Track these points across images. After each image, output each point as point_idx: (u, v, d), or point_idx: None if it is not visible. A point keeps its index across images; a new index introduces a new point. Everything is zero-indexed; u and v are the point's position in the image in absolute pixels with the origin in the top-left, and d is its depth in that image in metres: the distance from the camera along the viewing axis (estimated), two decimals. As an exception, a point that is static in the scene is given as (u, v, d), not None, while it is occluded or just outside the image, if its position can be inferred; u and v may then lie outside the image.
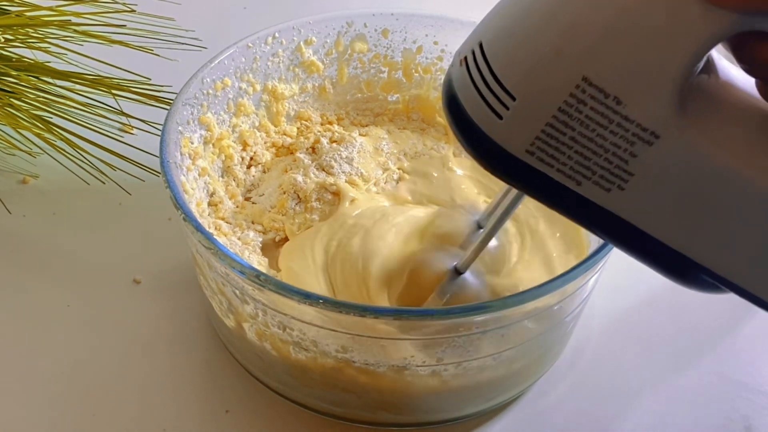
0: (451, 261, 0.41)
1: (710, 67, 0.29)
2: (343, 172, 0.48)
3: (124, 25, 0.52)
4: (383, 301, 0.41)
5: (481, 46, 0.29)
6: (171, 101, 0.45)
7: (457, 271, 0.40)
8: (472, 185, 0.49)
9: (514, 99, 0.28)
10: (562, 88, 0.28)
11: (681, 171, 0.29)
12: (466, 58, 0.30)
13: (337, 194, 0.46)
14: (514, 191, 0.36)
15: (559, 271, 0.43)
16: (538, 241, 0.45)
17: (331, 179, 0.47)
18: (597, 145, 0.28)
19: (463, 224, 0.44)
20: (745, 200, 0.29)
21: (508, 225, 0.45)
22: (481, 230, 0.42)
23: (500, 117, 0.29)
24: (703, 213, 0.29)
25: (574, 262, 0.44)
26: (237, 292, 0.38)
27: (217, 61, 0.46)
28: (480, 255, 0.39)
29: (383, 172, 0.49)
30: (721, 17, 0.26)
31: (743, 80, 0.29)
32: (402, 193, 0.48)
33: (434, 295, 0.40)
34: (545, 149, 0.29)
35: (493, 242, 0.42)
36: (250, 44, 0.48)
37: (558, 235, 0.46)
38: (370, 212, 0.46)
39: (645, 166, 0.29)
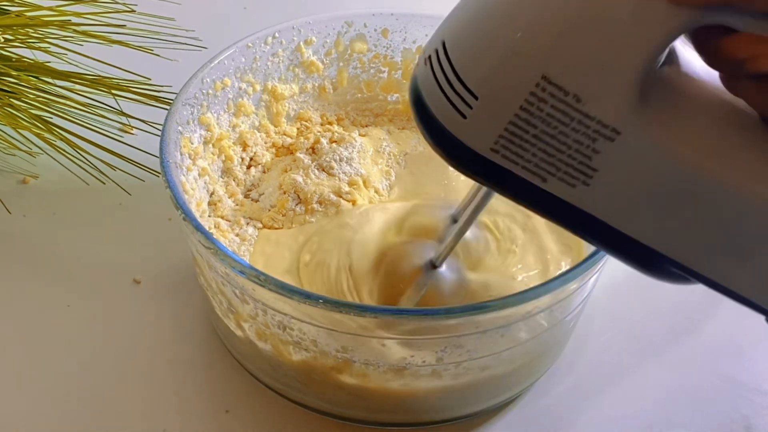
0: (427, 254, 0.41)
1: (673, 59, 0.29)
2: (343, 173, 0.48)
3: (124, 25, 0.52)
4: (363, 294, 0.41)
5: (444, 45, 0.29)
6: (171, 101, 0.45)
7: (434, 265, 0.40)
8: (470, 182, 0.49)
9: (476, 98, 0.29)
10: (523, 87, 0.28)
11: (643, 166, 0.29)
12: (430, 57, 0.30)
13: (340, 195, 0.47)
14: (485, 191, 0.36)
15: (553, 269, 0.44)
16: (532, 237, 0.45)
17: (334, 189, 0.47)
18: (560, 143, 0.29)
19: (438, 218, 0.44)
20: (707, 193, 0.29)
21: (491, 220, 0.45)
22: (455, 224, 0.42)
23: (464, 116, 0.29)
24: (668, 206, 0.30)
25: (569, 264, 0.44)
26: (237, 292, 0.38)
27: (217, 61, 0.46)
28: (457, 249, 0.39)
29: (384, 179, 0.49)
30: (681, 12, 0.26)
31: (707, 71, 0.29)
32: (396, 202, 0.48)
33: (411, 289, 0.40)
34: (509, 147, 0.29)
35: (470, 236, 0.43)
36: (250, 44, 0.48)
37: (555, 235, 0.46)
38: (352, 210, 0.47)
39: (608, 162, 0.29)
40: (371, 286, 0.42)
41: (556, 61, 0.27)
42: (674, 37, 0.27)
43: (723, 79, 0.29)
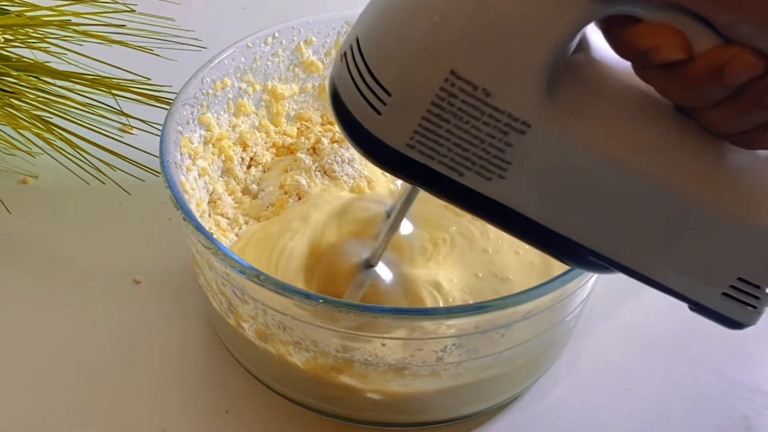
0: (363, 253, 0.41)
1: (585, 46, 0.29)
2: (346, 174, 0.47)
3: (124, 25, 0.52)
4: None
5: (357, 41, 0.30)
6: (171, 101, 0.45)
7: (369, 264, 0.41)
8: None
9: (389, 94, 0.29)
10: (433, 83, 0.28)
11: (556, 157, 0.29)
12: (345, 53, 0.30)
13: None
14: (410, 187, 0.37)
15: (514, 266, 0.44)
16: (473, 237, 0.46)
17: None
18: (473, 137, 0.29)
19: (375, 213, 0.44)
20: (621, 183, 0.29)
21: (445, 216, 0.46)
22: (388, 220, 0.42)
23: (379, 112, 0.29)
24: (583, 197, 0.30)
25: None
26: (237, 292, 0.38)
27: (217, 61, 0.46)
28: (395, 244, 0.40)
29: (388, 181, 0.49)
30: (580, 4, 0.26)
31: (619, 58, 0.29)
32: None
33: (350, 290, 0.40)
34: (424, 142, 0.29)
35: (409, 231, 0.43)
36: (250, 44, 0.48)
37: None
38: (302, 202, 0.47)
39: (521, 155, 0.29)
40: (311, 288, 0.41)
41: (463, 56, 0.28)
42: (577, 29, 0.27)
43: (634, 67, 0.29)
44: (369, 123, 0.30)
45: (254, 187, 0.48)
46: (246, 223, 0.46)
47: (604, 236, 0.31)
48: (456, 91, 0.28)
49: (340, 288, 0.41)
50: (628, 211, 0.30)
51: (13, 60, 0.52)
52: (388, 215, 0.43)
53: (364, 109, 0.29)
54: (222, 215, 0.46)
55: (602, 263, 0.31)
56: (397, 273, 0.42)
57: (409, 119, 0.29)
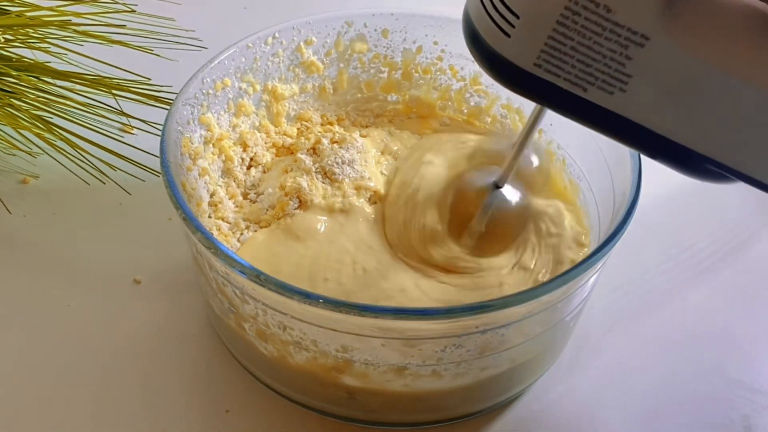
0: (491, 177, 0.43)
1: None
2: (346, 176, 0.47)
3: (124, 25, 0.52)
4: (433, 221, 0.45)
5: None
6: (171, 101, 0.45)
7: (497, 186, 0.43)
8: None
9: (518, 17, 0.32)
10: (557, 2, 0.31)
11: (673, 69, 0.31)
12: None
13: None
14: (537, 108, 0.39)
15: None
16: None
17: (338, 198, 0.47)
18: (595, 52, 0.31)
19: (504, 146, 0.46)
20: (734, 92, 0.31)
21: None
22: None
23: (508, 35, 0.32)
24: (700, 107, 0.32)
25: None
26: (237, 292, 0.38)
27: (217, 61, 0.46)
28: (520, 174, 0.43)
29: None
30: None
31: None
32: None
33: (479, 211, 0.43)
34: (550, 60, 0.32)
35: (534, 162, 0.46)
36: (250, 44, 0.48)
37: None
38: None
39: (640, 68, 0.31)
40: (442, 212, 0.45)
41: None
42: None
43: None
44: (499, 46, 0.33)
45: (253, 195, 0.48)
46: (246, 228, 0.46)
47: (720, 144, 0.33)
48: (579, 9, 0.30)
49: (471, 210, 0.43)
50: (743, 120, 0.32)
51: (14, 60, 0.52)
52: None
53: (495, 33, 0.33)
54: (223, 219, 0.46)
55: (720, 171, 0.33)
56: (523, 197, 0.44)
57: (535, 39, 0.32)
